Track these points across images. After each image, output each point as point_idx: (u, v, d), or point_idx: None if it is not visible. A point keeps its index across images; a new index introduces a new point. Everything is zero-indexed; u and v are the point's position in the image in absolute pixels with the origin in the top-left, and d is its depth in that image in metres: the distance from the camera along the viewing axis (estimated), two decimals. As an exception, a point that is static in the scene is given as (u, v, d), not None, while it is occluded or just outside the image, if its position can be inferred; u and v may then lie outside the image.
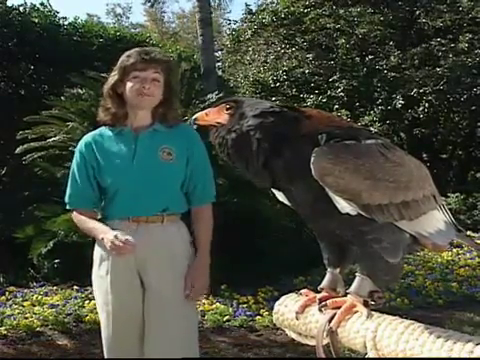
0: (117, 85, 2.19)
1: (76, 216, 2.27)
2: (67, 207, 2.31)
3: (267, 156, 1.15)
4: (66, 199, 2.28)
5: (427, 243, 1.24)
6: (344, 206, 1.14)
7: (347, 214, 1.15)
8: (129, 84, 2.16)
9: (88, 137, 2.27)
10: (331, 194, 1.13)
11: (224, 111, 1.22)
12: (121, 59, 2.21)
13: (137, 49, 2.22)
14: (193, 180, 2.22)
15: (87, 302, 4.49)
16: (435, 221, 1.27)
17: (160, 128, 2.23)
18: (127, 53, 2.21)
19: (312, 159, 1.12)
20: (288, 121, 1.19)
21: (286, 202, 1.27)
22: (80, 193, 2.23)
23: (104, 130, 2.27)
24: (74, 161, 2.25)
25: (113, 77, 2.21)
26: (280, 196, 1.27)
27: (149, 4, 13.90)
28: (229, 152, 1.18)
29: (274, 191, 1.27)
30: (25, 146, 5.29)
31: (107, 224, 2.19)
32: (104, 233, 2.08)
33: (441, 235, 1.26)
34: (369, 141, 1.18)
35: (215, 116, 1.23)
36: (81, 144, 2.26)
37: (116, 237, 2.01)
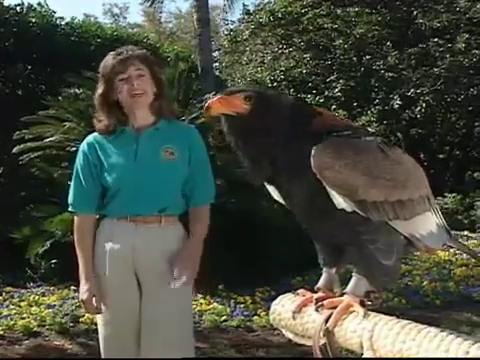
0: (107, 94, 2.19)
1: (77, 226, 2.25)
2: (70, 209, 2.29)
3: (280, 149, 1.15)
4: (70, 201, 2.26)
5: (420, 246, 1.25)
6: (340, 202, 1.14)
7: (343, 213, 1.15)
8: (119, 89, 2.16)
9: (90, 137, 2.27)
10: (328, 189, 1.14)
11: (242, 101, 1.19)
12: (100, 67, 2.21)
13: (111, 52, 2.22)
14: (193, 179, 2.22)
15: (84, 302, 4.48)
16: (429, 223, 1.27)
17: (162, 126, 2.22)
18: (104, 60, 2.21)
19: (312, 153, 1.12)
20: (307, 117, 1.19)
21: (281, 201, 1.26)
22: (84, 195, 2.22)
23: None
24: (77, 162, 2.24)
25: (101, 87, 2.21)
26: (275, 194, 1.27)
27: (148, 3, 13.84)
28: (245, 141, 1.17)
29: (269, 189, 1.27)
30: (22, 146, 5.27)
31: (106, 223, 2.21)
32: (82, 280, 2.17)
33: (434, 238, 1.27)
34: (369, 138, 1.19)
35: (233, 106, 1.19)
36: (83, 145, 2.26)
37: (83, 299, 2.15)
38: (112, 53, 2.20)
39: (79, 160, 2.24)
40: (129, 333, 2.18)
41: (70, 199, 2.26)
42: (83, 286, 2.17)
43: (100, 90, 2.21)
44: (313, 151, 1.13)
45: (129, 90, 2.14)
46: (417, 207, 1.22)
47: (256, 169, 1.20)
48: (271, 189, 1.26)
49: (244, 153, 1.19)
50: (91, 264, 2.19)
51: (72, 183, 2.26)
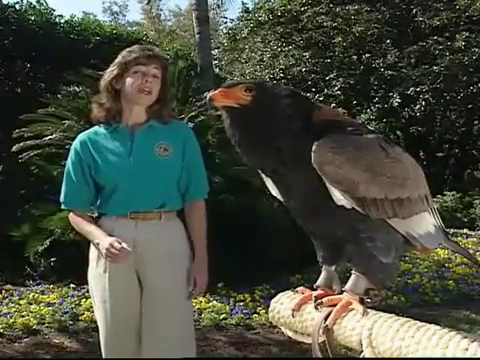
0: (116, 80, 2.19)
1: (72, 218, 2.27)
2: (62, 207, 2.31)
3: (283, 140, 1.14)
4: (61, 199, 2.27)
5: (417, 245, 1.25)
6: (339, 198, 1.14)
7: (342, 209, 1.15)
8: (129, 80, 2.16)
9: (83, 135, 2.27)
10: (328, 185, 1.13)
11: (243, 92, 1.17)
12: (122, 54, 2.21)
13: (139, 45, 2.27)
14: (187, 175, 2.23)
15: (83, 300, 4.49)
16: (426, 223, 1.27)
17: (155, 124, 2.23)
18: (129, 49, 2.23)
19: (313, 147, 1.12)
20: (306, 110, 1.19)
21: (279, 197, 1.26)
22: (76, 192, 2.23)
23: (99, 128, 2.26)
24: (69, 160, 2.25)
25: (112, 72, 2.21)
26: (274, 190, 1.27)
27: (146, 0, 13.86)
28: (248, 132, 1.15)
29: (267, 184, 1.27)
30: (21, 144, 5.27)
31: (105, 222, 2.20)
32: (100, 239, 2.10)
33: (430, 238, 1.27)
34: (370, 135, 1.19)
35: (234, 97, 1.17)
36: (76, 142, 2.25)
37: (112, 245, 2.02)
38: (140, 46, 2.26)
39: (71, 158, 2.24)
40: (130, 332, 2.18)
41: (62, 197, 2.27)
42: (103, 240, 2.07)
43: (111, 75, 2.20)
44: (314, 146, 1.13)
45: (140, 86, 2.14)
46: (415, 206, 1.22)
47: (260, 161, 1.19)
48: (270, 185, 1.26)
49: (247, 145, 1.17)
50: (101, 231, 2.14)
51: (64, 181, 2.26)
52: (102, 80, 2.25)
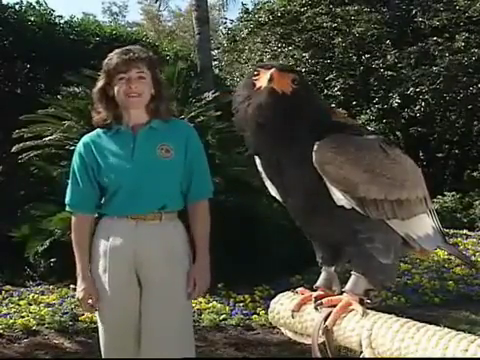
0: (106, 88, 2.21)
1: (75, 225, 2.26)
2: (67, 209, 2.30)
3: (301, 133, 1.14)
4: (67, 201, 2.27)
5: (415, 247, 1.25)
6: (339, 198, 1.14)
7: (342, 210, 1.15)
8: (116, 88, 2.17)
9: (86, 138, 2.28)
10: (328, 185, 1.14)
11: (290, 81, 1.16)
12: (104, 62, 2.22)
13: (117, 50, 2.22)
14: (190, 175, 2.23)
15: (83, 301, 4.49)
16: (424, 225, 1.28)
17: (157, 125, 2.23)
18: (109, 56, 2.22)
19: (315, 147, 1.13)
20: (329, 110, 1.23)
21: (278, 197, 1.26)
22: (82, 195, 2.23)
23: (101, 131, 2.27)
24: (74, 163, 2.25)
25: (101, 81, 2.23)
26: (272, 190, 1.27)
27: (153, 0, 13.82)
28: (277, 118, 1.13)
29: (267, 185, 1.27)
30: (21, 145, 5.27)
31: (106, 222, 2.21)
32: (82, 277, 2.19)
33: (429, 240, 1.27)
34: (371, 136, 1.20)
35: (284, 84, 1.15)
36: (79, 145, 2.26)
37: (85, 298, 2.16)
38: (118, 51, 2.21)
39: (75, 161, 2.25)
40: (129, 332, 2.18)
41: (67, 199, 2.27)
42: (80, 285, 2.19)
43: (100, 84, 2.23)
44: (315, 146, 1.13)
45: (126, 91, 2.15)
46: (414, 208, 1.23)
47: (269, 149, 1.17)
48: (269, 185, 1.26)
49: (268, 130, 1.14)
50: (88, 263, 2.20)
51: (69, 183, 2.27)
52: (94, 90, 2.26)
